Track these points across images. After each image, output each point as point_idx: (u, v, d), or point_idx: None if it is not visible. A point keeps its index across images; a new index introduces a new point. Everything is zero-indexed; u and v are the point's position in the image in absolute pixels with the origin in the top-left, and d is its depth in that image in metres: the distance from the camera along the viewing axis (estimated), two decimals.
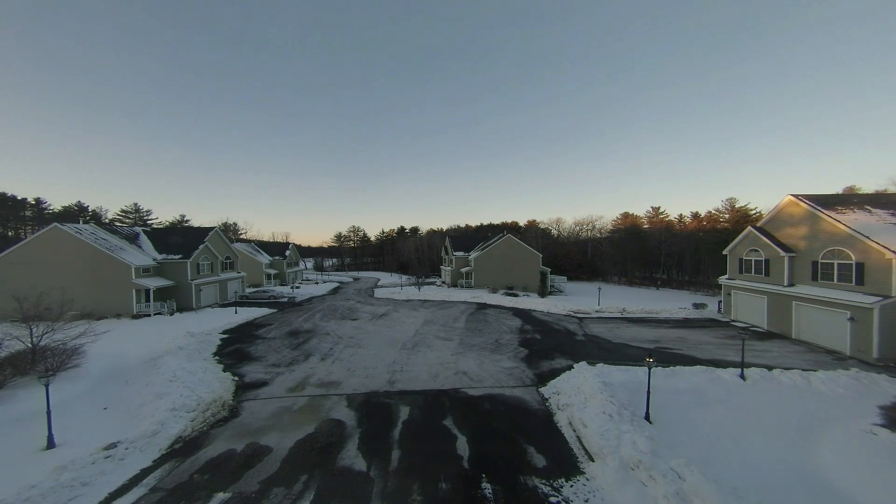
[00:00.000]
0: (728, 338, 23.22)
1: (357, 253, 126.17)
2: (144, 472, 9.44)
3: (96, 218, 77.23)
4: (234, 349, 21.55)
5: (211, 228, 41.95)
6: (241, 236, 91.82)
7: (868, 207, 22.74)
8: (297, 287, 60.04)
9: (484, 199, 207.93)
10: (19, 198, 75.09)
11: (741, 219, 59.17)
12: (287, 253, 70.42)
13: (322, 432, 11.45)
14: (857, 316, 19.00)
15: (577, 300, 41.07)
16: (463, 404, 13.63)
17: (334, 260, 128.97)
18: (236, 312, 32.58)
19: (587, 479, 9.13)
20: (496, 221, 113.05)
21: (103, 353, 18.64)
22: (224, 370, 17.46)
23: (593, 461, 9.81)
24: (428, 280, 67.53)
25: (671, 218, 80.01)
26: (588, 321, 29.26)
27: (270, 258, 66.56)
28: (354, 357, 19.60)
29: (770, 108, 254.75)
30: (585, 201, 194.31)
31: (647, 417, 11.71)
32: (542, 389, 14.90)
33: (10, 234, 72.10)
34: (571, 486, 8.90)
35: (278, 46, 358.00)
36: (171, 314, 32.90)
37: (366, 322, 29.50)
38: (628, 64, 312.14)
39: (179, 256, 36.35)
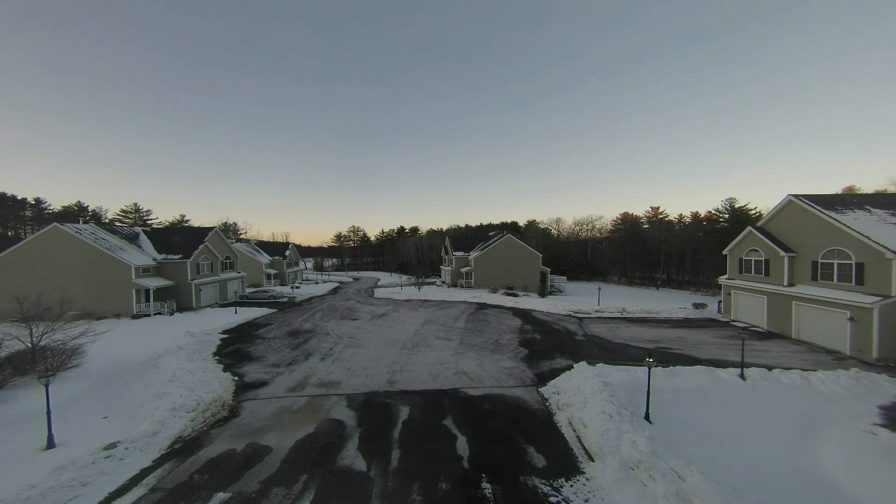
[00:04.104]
0: (728, 338, 23.22)
1: (357, 253, 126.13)
2: (144, 472, 9.43)
3: (96, 218, 77.20)
4: (234, 349, 21.55)
5: (211, 228, 41.95)
6: (241, 236, 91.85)
7: (868, 207, 22.73)
8: (297, 287, 60.05)
9: (484, 199, 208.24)
10: (19, 198, 75.13)
11: (741, 219, 59.05)
12: (287, 253, 70.41)
13: (322, 432, 11.45)
14: (857, 316, 19.00)
15: (577, 300, 41.06)
16: (463, 404, 13.63)
17: (334, 260, 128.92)
18: (236, 312, 32.58)
19: (587, 479, 9.13)
20: (496, 221, 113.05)
21: (103, 353, 18.63)
22: (224, 370, 17.45)
23: (593, 461, 9.81)
24: (428, 280, 67.52)
25: (671, 218, 79.97)
26: (588, 321, 29.26)
27: (270, 258, 66.54)
28: (354, 357, 19.60)
29: (770, 107, 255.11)
30: (585, 201, 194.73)
31: (647, 417, 11.71)
32: (542, 389, 14.90)
33: (10, 234, 72.07)
34: (571, 485, 8.90)
35: (278, 46, 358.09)
36: (171, 314, 32.90)
37: (366, 322, 29.50)
38: (628, 63, 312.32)
39: (179, 256, 36.35)
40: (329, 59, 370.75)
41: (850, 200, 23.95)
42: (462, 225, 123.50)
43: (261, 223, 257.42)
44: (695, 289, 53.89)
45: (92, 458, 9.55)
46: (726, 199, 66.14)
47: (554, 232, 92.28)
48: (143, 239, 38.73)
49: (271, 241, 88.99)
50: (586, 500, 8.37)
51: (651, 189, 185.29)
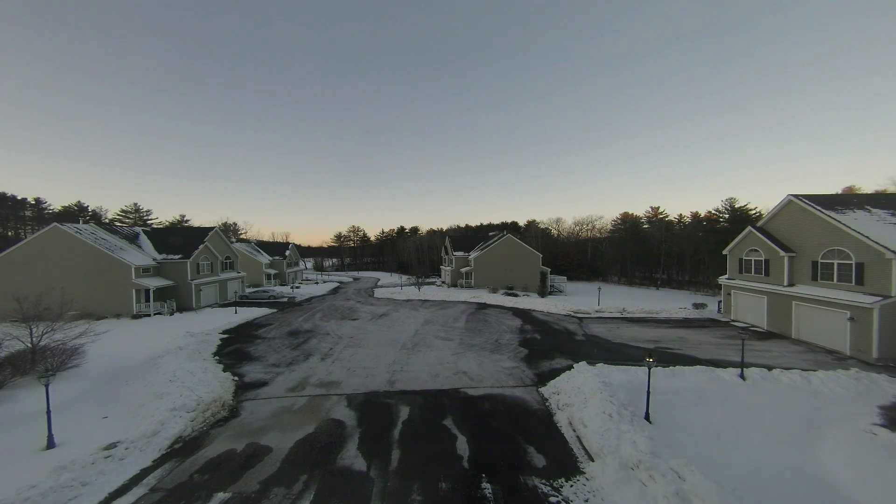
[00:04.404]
0: (728, 338, 23.21)
1: (357, 253, 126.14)
2: (144, 472, 9.43)
3: (96, 218, 77.19)
4: (234, 349, 21.54)
5: (211, 228, 41.95)
6: (241, 236, 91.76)
7: (868, 207, 22.72)
8: (297, 287, 60.05)
9: (484, 199, 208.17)
10: (19, 198, 75.14)
11: (741, 219, 59.02)
12: (287, 253, 70.42)
13: (322, 432, 11.45)
14: (857, 316, 19.00)
15: (577, 300, 41.06)
16: (463, 404, 13.63)
17: (334, 260, 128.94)
18: (236, 312, 32.57)
19: (587, 479, 9.13)
20: (496, 221, 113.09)
21: (103, 353, 18.64)
22: (224, 370, 17.45)
23: (593, 461, 9.81)
24: (428, 280, 67.51)
25: (671, 218, 79.93)
26: (588, 321, 29.26)
27: (270, 258, 66.55)
28: (354, 357, 19.60)
29: (770, 107, 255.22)
30: (585, 201, 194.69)
31: (647, 417, 11.71)
32: (542, 389, 14.89)
33: (10, 234, 72.06)
34: (571, 485, 8.90)
35: (278, 45, 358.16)
36: (171, 314, 32.91)
37: (366, 322, 29.50)
38: (628, 63, 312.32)
39: (179, 256, 36.35)
40: (329, 59, 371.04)
41: (850, 200, 23.95)
42: (462, 225, 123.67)
43: (261, 223, 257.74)
44: (695, 289, 53.90)
45: (92, 458, 9.54)
46: (726, 199, 66.16)
47: (554, 232, 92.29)
48: (143, 239, 38.73)
49: (271, 241, 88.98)
50: (586, 500, 8.37)
51: (651, 189, 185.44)
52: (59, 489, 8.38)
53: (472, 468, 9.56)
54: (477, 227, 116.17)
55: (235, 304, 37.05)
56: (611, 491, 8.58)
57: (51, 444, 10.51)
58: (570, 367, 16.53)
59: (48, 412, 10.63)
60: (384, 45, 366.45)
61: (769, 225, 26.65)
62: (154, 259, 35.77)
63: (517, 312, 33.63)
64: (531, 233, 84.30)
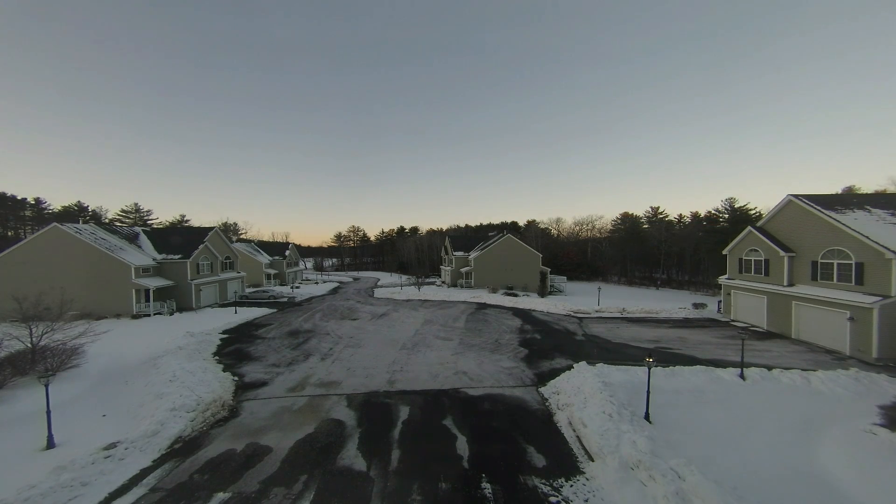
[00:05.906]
0: (728, 338, 23.21)
1: (357, 253, 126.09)
2: (144, 472, 9.44)
3: (96, 218, 77.19)
4: (234, 349, 21.54)
5: (211, 228, 41.94)
6: (241, 236, 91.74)
7: (868, 207, 22.72)
8: (297, 287, 60.04)
9: (484, 199, 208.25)
10: (19, 198, 75.04)
11: (741, 219, 58.98)
12: (287, 253, 70.42)
13: (322, 432, 11.45)
14: (857, 316, 19.00)
15: (576, 300, 41.04)
16: (463, 404, 13.62)
17: (334, 260, 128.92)
18: (236, 312, 32.57)
19: (587, 479, 9.13)
20: (496, 221, 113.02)
21: (103, 353, 18.64)
22: (224, 370, 17.45)
23: (593, 461, 9.81)
24: (428, 280, 67.49)
25: (671, 218, 79.90)
26: (588, 321, 29.25)
27: (270, 258, 66.54)
28: (354, 357, 19.59)
29: (770, 107, 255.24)
30: (585, 201, 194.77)
31: (646, 417, 11.71)
32: (542, 389, 14.89)
33: (10, 234, 72.03)
34: (571, 485, 8.90)
35: (278, 46, 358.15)
36: (171, 314, 32.90)
37: (366, 322, 29.49)
38: (628, 63, 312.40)
39: (179, 256, 36.35)
40: (329, 59, 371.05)
41: (850, 200, 23.95)
42: (462, 225, 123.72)
43: (261, 223, 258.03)
44: (695, 289, 53.86)
45: (92, 458, 9.54)
46: (726, 199, 66.14)
47: (554, 232, 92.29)
48: (143, 239, 38.72)
49: (271, 241, 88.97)
50: (586, 500, 8.37)
51: (651, 189, 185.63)
52: (59, 489, 8.38)
53: (472, 468, 9.56)
54: (477, 227, 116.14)
55: (235, 304, 37.04)
56: (611, 491, 8.58)
57: (51, 444, 10.51)
58: (569, 367, 16.54)
59: (48, 412, 10.63)
60: (384, 46, 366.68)
61: (769, 225, 26.64)
62: (154, 259, 35.75)
63: (517, 312, 33.62)
64: (531, 233, 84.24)
